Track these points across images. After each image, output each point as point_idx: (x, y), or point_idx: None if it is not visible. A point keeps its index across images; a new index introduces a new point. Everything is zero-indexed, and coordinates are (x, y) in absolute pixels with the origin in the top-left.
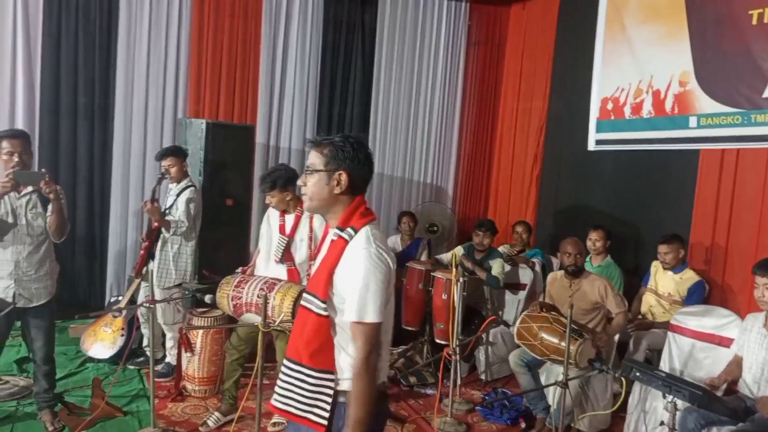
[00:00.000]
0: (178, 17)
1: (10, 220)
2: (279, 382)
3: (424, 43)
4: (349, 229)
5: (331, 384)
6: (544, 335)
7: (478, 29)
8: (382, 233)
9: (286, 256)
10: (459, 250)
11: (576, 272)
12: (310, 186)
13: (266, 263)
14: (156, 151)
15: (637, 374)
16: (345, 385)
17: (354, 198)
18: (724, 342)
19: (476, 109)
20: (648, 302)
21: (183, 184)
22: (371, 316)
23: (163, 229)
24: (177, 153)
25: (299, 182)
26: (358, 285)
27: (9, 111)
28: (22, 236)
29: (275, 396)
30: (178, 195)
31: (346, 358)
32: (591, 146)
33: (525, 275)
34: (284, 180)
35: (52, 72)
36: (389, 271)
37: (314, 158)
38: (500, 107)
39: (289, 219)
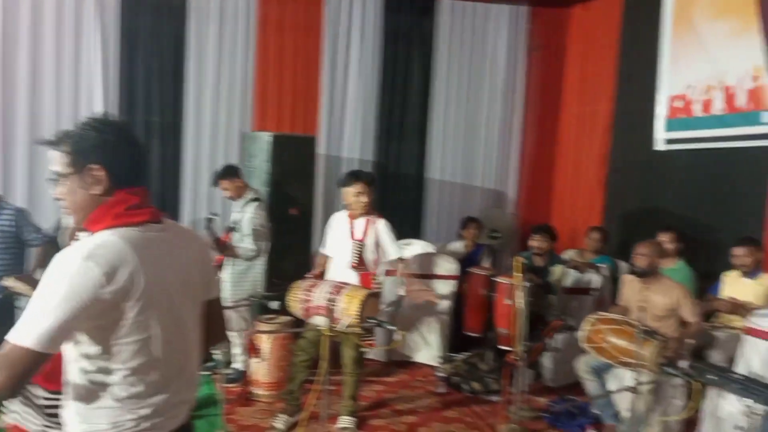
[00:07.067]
0: (245, 37)
1: None
2: None
3: (485, 50)
4: (85, 233)
5: None
6: (614, 338)
7: (539, 33)
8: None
9: (360, 260)
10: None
11: (645, 274)
12: (66, 197)
13: (339, 269)
14: (223, 166)
15: (711, 377)
16: None
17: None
18: None
19: (538, 113)
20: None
21: (245, 198)
22: (25, 340)
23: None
24: (225, 175)
25: (54, 196)
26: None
27: None
28: None
29: None
30: (242, 210)
31: None
32: (659, 146)
33: (592, 281)
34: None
35: (127, 92)
36: (85, 288)
37: (57, 162)
38: (562, 110)
39: (359, 223)
